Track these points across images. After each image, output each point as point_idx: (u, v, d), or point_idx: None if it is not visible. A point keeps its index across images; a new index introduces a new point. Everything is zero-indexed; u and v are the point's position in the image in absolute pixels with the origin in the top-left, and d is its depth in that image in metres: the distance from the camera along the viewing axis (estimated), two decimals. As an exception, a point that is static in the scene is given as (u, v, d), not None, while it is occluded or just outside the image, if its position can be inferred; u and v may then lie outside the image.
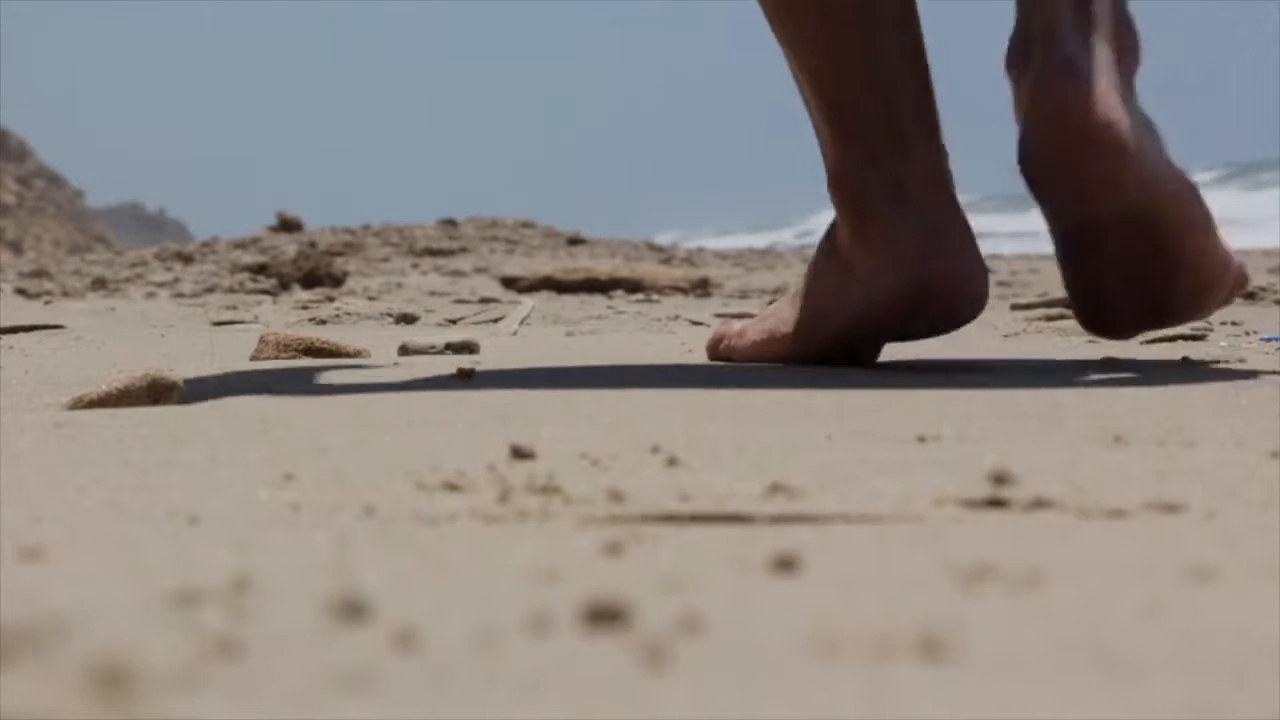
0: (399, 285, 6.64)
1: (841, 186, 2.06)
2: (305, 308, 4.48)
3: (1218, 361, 2.40)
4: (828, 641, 0.72)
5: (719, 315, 3.47)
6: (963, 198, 2.11)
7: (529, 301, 4.29)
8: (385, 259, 8.97)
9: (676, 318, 3.57)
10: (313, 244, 9.32)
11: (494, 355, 2.59)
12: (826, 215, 2.24)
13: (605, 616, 0.75)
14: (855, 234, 2.06)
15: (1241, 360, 2.42)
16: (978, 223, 2.10)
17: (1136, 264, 1.83)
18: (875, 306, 2.03)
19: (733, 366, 2.36)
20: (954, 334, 2.94)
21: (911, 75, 2.00)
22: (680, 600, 0.80)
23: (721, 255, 11.48)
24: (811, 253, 2.35)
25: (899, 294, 2.00)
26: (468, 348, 2.64)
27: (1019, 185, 1.92)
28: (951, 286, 2.00)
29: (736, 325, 2.34)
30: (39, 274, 7.84)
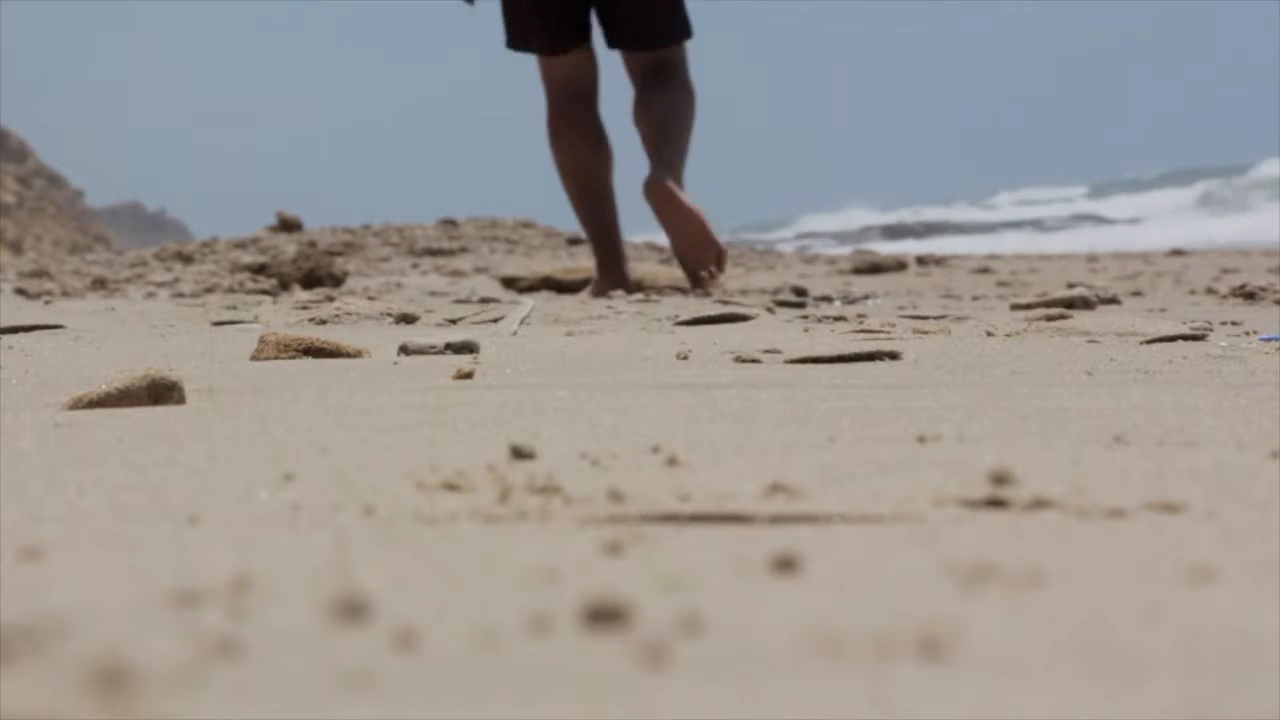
0: (399, 285, 6.64)
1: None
2: (305, 308, 4.47)
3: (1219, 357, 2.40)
4: (828, 641, 0.72)
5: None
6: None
7: (529, 301, 4.29)
8: (385, 259, 8.98)
9: (675, 317, 3.58)
10: (313, 244, 9.32)
11: (494, 355, 2.59)
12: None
13: (605, 616, 0.75)
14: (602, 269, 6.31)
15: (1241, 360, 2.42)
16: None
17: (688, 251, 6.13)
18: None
19: (732, 367, 2.37)
20: (953, 333, 2.94)
21: (614, 218, 6.26)
22: (680, 600, 0.80)
23: (721, 255, 11.43)
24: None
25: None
26: (468, 348, 2.64)
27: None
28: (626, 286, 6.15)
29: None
30: (39, 274, 7.83)
